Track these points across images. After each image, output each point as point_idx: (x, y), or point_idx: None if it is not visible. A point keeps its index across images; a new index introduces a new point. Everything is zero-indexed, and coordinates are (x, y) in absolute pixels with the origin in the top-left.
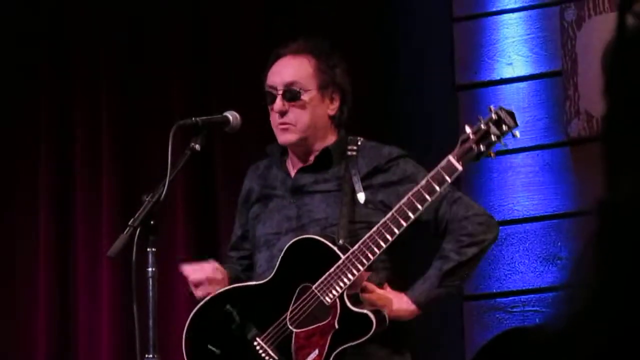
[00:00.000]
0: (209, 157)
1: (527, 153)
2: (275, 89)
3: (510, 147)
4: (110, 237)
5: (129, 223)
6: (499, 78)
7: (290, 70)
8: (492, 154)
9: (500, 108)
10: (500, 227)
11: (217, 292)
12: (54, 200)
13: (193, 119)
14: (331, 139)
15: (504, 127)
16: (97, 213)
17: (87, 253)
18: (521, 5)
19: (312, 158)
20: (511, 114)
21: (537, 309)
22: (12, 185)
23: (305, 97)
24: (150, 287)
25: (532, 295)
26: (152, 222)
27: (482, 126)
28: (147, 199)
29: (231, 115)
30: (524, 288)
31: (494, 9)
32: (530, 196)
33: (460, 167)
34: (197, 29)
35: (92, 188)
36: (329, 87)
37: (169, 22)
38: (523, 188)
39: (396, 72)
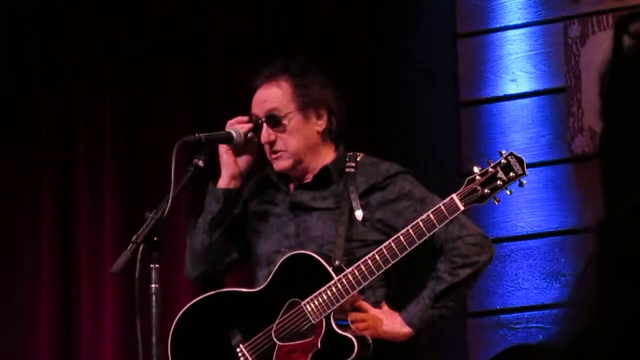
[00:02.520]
0: (212, 173)
1: (530, 169)
2: (258, 119)
3: None
4: (114, 253)
5: (132, 239)
6: (502, 94)
7: (266, 98)
8: (496, 200)
9: (511, 154)
10: (504, 244)
11: (206, 295)
12: (56, 216)
13: (197, 135)
14: (329, 155)
15: (512, 174)
16: (100, 229)
17: (90, 270)
18: (525, 21)
19: (310, 177)
20: (521, 161)
21: (541, 325)
22: (14, 201)
23: (286, 121)
24: (153, 304)
25: (536, 312)
26: (155, 239)
27: (490, 169)
28: (150, 215)
29: (234, 132)
30: (527, 305)
31: (498, 26)
32: (534, 212)
33: (462, 207)
34: (198, 36)
35: (95, 204)
36: (310, 105)
37: (173, 28)
38: (526, 204)
39: (400, 88)
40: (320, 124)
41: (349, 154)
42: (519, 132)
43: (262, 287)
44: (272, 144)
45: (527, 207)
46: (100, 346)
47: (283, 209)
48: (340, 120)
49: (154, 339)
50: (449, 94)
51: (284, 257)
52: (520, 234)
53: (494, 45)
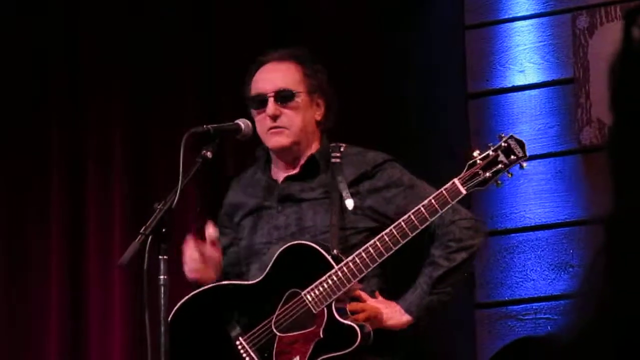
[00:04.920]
0: (221, 164)
1: (538, 161)
2: (265, 94)
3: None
4: (122, 245)
5: (141, 231)
6: (510, 86)
7: (279, 74)
8: (498, 182)
9: (511, 136)
10: (512, 235)
11: (203, 289)
12: (66, 209)
13: (205, 126)
14: (315, 146)
15: (512, 157)
16: (109, 221)
17: (99, 261)
18: (533, 12)
19: (298, 166)
20: (521, 144)
21: (549, 316)
22: (24, 194)
23: (297, 99)
24: (162, 295)
25: (544, 303)
26: (163, 230)
27: (491, 152)
28: (158, 207)
29: (243, 123)
30: (535, 296)
31: (506, 17)
32: (542, 204)
33: (464, 192)
34: (207, 35)
35: (104, 197)
36: (315, 92)
37: (180, 28)
38: (535, 196)
39: (408, 80)
40: (319, 113)
41: (331, 144)
42: (527, 123)
43: (259, 279)
44: (276, 117)
45: (535, 198)
46: (109, 338)
47: (271, 201)
48: (332, 115)
49: (162, 329)
50: (457, 85)
51: (282, 248)
52: (528, 225)
53: (502, 37)
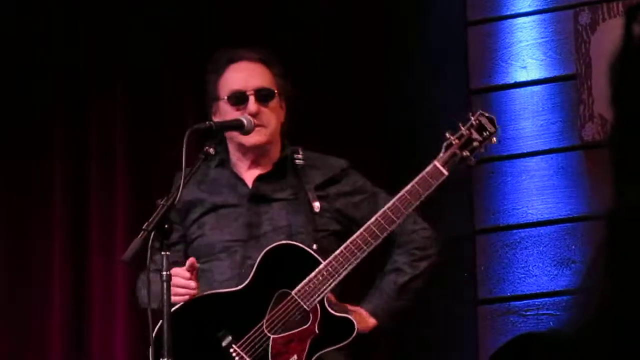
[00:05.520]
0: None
1: (541, 157)
2: (245, 91)
3: (524, 150)
4: (125, 241)
5: (143, 227)
6: (513, 82)
7: (256, 73)
8: (472, 161)
9: (481, 114)
10: (514, 231)
11: (186, 302)
12: (68, 204)
13: (207, 122)
14: (279, 147)
15: (485, 133)
16: (112, 217)
17: (102, 257)
18: (535, 8)
19: (265, 165)
20: (491, 120)
21: (552, 312)
22: (27, 190)
23: (273, 99)
24: (165, 291)
25: (547, 299)
26: (166, 226)
27: (465, 132)
28: (161, 203)
29: (245, 119)
30: (538, 292)
31: (508, 13)
32: (544, 200)
33: (446, 173)
34: (210, 33)
35: (107, 192)
36: (282, 94)
37: (183, 24)
38: (537, 192)
39: (410, 76)
40: (283, 116)
41: (291, 147)
42: (529, 119)
43: (245, 284)
44: (256, 116)
45: (537, 195)
46: (111, 334)
47: (238, 200)
48: (290, 118)
49: (165, 325)
50: (459, 81)
51: (264, 251)
52: (530, 221)
53: (504, 33)
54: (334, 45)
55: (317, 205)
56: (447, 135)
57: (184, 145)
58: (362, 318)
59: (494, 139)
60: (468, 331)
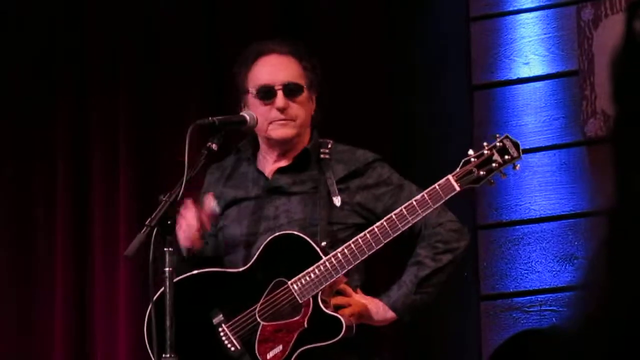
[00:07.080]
0: (226, 156)
1: (543, 153)
2: (273, 86)
3: (527, 146)
4: (128, 237)
5: (146, 223)
6: (515, 78)
7: (285, 67)
8: (491, 182)
9: (507, 137)
10: (517, 227)
11: (187, 275)
12: (71, 200)
13: (210, 118)
14: (307, 141)
15: (507, 157)
16: (115, 212)
17: (105, 253)
18: (538, 4)
19: (290, 158)
20: (516, 145)
21: (554, 308)
22: (30, 186)
23: (302, 93)
24: (167, 287)
25: (549, 295)
26: (169, 222)
27: (485, 151)
28: (164, 198)
29: (248, 115)
30: (540, 287)
31: (511, 9)
32: (547, 196)
33: (458, 188)
34: (211, 30)
35: (109, 187)
36: (312, 87)
37: (184, 22)
38: (540, 188)
39: (412, 72)
40: (313, 109)
41: (320, 140)
42: (532, 115)
43: (246, 267)
44: (284, 110)
45: (540, 190)
46: (114, 329)
47: (258, 192)
48: (322, 111)
49: (167, 321)
50: (462, 77)
51: (270, 237)
52: (533, 217)
53: (507, 29)
54: (336, 40)
55: (337, 199)
56: (469, 152)
57: (187, 142)
58: (380, 310)
59: (518, 165)
60: (471, 327)
